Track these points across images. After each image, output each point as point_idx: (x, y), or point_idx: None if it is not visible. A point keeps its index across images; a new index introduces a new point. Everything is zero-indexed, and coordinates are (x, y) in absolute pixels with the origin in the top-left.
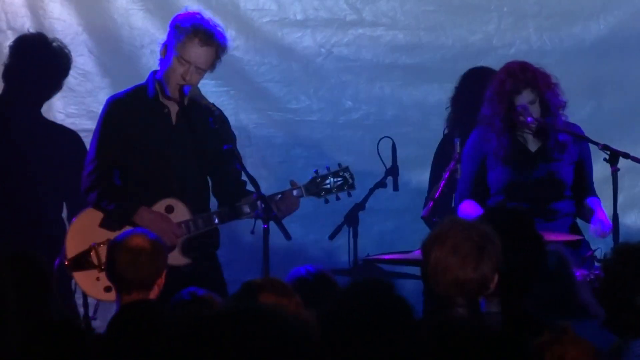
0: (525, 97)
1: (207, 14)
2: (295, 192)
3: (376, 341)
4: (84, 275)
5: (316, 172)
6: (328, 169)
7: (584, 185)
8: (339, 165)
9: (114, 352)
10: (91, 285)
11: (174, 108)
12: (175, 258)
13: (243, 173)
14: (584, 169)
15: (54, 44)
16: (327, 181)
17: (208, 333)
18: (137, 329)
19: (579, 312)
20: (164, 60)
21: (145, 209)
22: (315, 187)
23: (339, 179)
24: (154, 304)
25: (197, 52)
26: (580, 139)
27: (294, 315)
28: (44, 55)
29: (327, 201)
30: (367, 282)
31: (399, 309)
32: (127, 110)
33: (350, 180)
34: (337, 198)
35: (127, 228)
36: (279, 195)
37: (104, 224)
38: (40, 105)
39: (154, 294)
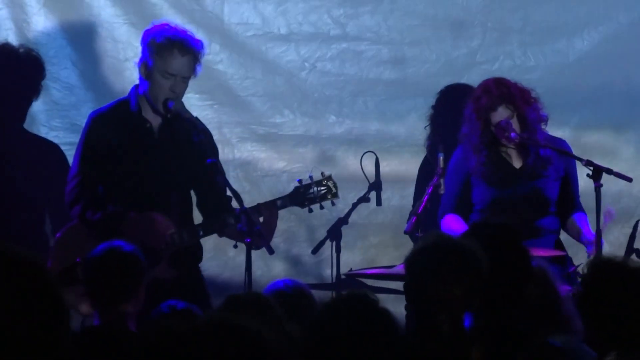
0: (501, 114)
1: (174, 22)
2: (279, 203)
3: (360, 355)
4: (70, 291)
5: (299, 181)
6: (311, 178)
7: (569, 200)
8: (322, 174)
9: None
10: (78, 301)
11: (156, 122)
12: (162, 271)
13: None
14: (569, 183)
15: (21, 50)
16: (311, 190)
17: (184, 348)
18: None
19: (562, 327)
20: (147, 79)
21: (132, 214)
22: (298, 197)
23: (322, 188)
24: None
25: (179, 62)
26: (563, 155)
27: (274, 330)
28: (14, 63)
29: (311, 210)
30: (351, 295)
31: (383, 323)
32: (109, 125)
33: (333, 189)
34: (321, 207)
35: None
36: (263, 207)
37: (88, 239)
38: (23, 117)
39: (133, 306)
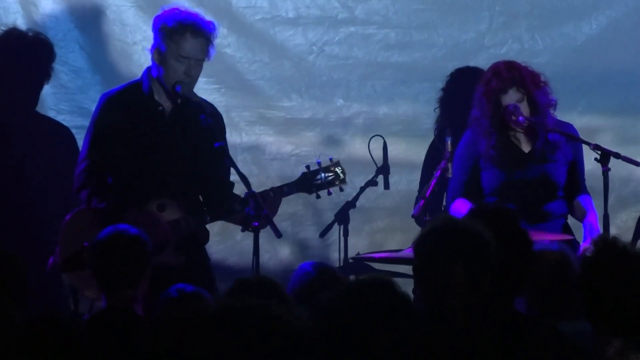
0: (511, 96)
1: (183, 6)
2: (285, 189)
3: (378, 339)
4: (78, 275)
5: (307, 167)
6: (319, 164)
7: (576, 184)
8: (330, 159)
9: (100, 349)
10: (85, 285)
11: (168, 106)
12: (168, 257)
13: (233, 171)
14: (576, 167)
15: (30, 33)
16: (318, 176)
17: (198, 331)
18: (116, 333)
19: (578, 312)
20: (160, 64)
21: (134, 209)
22: (306, 183)
23: (330, 174)
24: (132, 311)
25: (192, 45)
26: (571, 139)
27: (284, 312)
28: (24, 47)
29: (318, 196)
30: (370, 279)
31: (402, 307)
32: (120, 108)
33: (341, 175)
34: (329, 193)
35: None
36: (270, 193)
37: (95, 223)
38: (35, 100)
39: (140, 290)
